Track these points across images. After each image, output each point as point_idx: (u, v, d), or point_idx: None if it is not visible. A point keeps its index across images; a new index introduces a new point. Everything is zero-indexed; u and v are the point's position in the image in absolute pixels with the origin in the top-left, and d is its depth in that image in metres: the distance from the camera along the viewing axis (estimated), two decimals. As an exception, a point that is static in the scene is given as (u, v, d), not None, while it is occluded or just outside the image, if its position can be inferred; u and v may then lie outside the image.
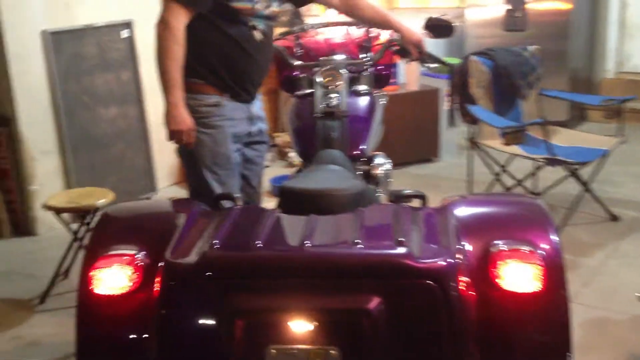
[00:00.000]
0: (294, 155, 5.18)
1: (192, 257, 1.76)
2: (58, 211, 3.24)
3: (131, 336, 1.84)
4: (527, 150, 3.81)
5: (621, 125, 3.93)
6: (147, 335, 1.81)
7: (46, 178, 4.07)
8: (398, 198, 2.11)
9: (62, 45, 4.08)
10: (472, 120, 3.93)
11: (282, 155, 5.38)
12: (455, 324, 1.68)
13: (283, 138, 5.37)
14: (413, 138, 5.11)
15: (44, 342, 2.92)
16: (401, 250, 1.71)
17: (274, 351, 1.67)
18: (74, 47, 4.14)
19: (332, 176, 2.33)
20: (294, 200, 2.11)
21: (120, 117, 4.43)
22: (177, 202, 2.33)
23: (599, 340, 2.78)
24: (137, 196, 4.44)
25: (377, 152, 2.86)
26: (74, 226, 3.39)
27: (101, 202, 3.19)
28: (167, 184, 4.80)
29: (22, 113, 3.94)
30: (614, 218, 3.95)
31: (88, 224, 3.26)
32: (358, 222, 1.89)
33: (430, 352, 1.70)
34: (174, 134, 2.51)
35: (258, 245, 1.77)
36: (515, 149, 3.79)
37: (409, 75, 5.09)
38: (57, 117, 4.09)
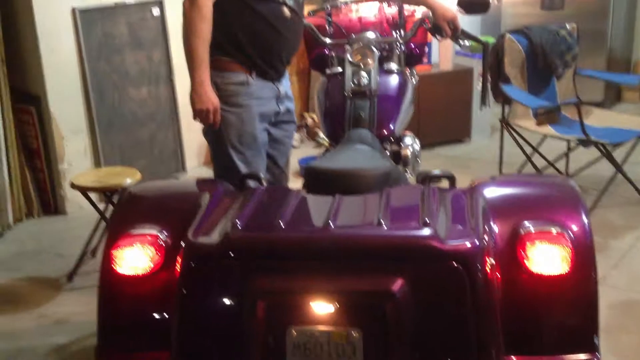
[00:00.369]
0: (323, 136, 5.15)
1: (214, 237, 1.74)
2: (85, 190, 3.26)
3: (152, 316, 1.86)
4: (560, 130, 3.72)
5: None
6: (167, 316, 1.82)
7: (75, 157, 4.10)
8: (426, 179, 2.07)
9: (92, 23, 4.08)
10: (505, 99, 3.85)
11: (312, 136, 5.35)
12: (481, 307, 1.65)
13: (313, 120, 5.33)
14: (445, 118, 5.03)
15: (70, 321, 2.95)
16: (426, 231, 1.68)
17: (295, 332, 1.66)
18: (104, 25, 4.14)
19: (359, 156, 2.30)
20: (320, 181, 2.08)
21: (150, 97, 4.43)
22: (202, 182, 2.32)
23: (627, 322, 2.73)
24: (165, 177, 4.45)
25: (406, 133, 2.82)
26: (102, 205, 3.41)
27: (128, 181, 3.20)
28: (195, 164, 4.81)
29: (51, 92, 3.96)
30: (647, 200, 3.86)
31: (114, 203, 3.28)
32: (384, 203, 1.86)
33: (454, 336, 1.66)
34: (199, 113, 2.49)
35: (281, 226, 1.75)
36: (548, 129, 3.71)
37: (442, 55, 5.01)
38: (87, 96, 4.11)
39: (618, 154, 3.82)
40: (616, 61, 5.82)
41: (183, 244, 1.78)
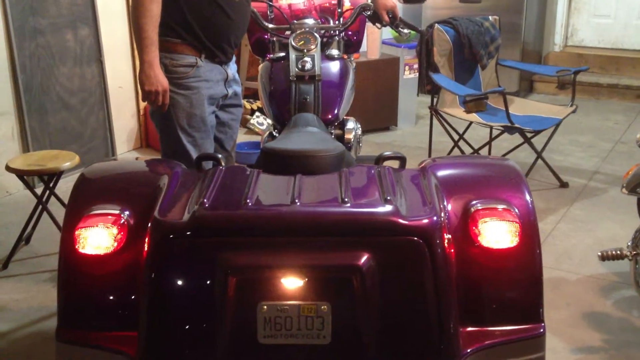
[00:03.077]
0: (255, 122, 5.18)
1: (182, 216, 1.77)
2: (22, 174, 3.17)
3: (116, 296, 1.86)
4: (486, 118, 3.92)
5: (572, 95, 4.09)
6: (132, 295, 1.84)
7: (3, 141, 3.96)
8: (380, 159, 2.17)
9: (20, 2, 3.93)
10: (433, 88, 4.01)
11: (243, 122, 5.36)
12: (440, 279, 1.75)
13: (244, 105, 5.34)
14: (373, 106, 5.15)
15: (9, 308, 2.88)
16: (389, 208, 1.78)
17: (265, 307, 1.72)
18: (32, 4, 4.00)
19: (312, 138, 2.36)
20: (278, 162, 2.13)
21: (79, 78, 4.32)
22: (157, 163, 2.33)
23: (554, 298, 2.92)
24: (96, 161, 4.36)
25: (348, 117, 2.91)
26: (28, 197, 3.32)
27: (66, 165, 3.14)
28: (125, 150, 4.73)
29: (-23, 73, 3.82)
30: (564, 185, 4.12)
31: (52, 187, 3.21)
32: (344, 182, 1.94)
33: (415, 305, 1.76)
34: (148, 95, 2.48)
35: (249, 204, 1.80)
36: (474, 117, 3.90)
37: (369, 44, 5.13)
38: (15, 78, 3.97)
39: (536, 141, 4.06)
40: (529, 53, 6.13)
41: (150, 223, 1.80)
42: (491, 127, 4.10)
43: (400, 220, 1.74)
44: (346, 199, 1.82)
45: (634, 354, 2.51)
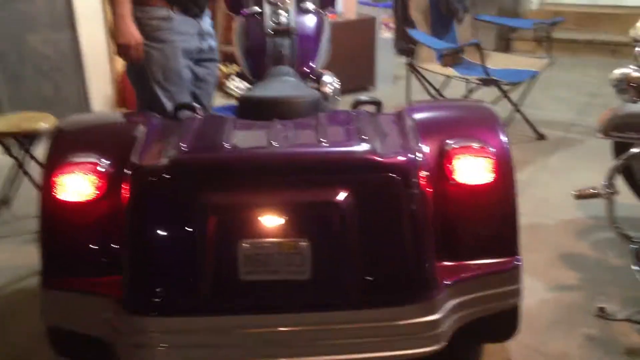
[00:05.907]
0: (232, 86, 5.17)
1: (162, 161, 1.78)
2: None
3: (97, 242, 1.88)
4: (463, 72, 3.95)
5: (549, 49, 4.12)
6: (115, 241, 1.85)
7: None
8: (356, 104, 2.19)
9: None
10: (411, 42, 4.02)
11: (220, 86, 5.35)
12: (416, 214, 1.79)
13: (220, 69, 5.32)
14: (350, 67, 5.12)
15: (-4, 267, 2.89)
16: (365, 146, 1.80)
17: (246, 245, 1.74)
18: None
19: (288, 86, 2.38)
20: (254, 109, 2.14)
21: (53, 44, 4.28)
22: (132, 114, 2.34)
23: (533, 242, 2.98)
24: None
25: (325, 71, 2.92)
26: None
27: (44, 126, 3.12)
28: (102, 115, 4.69)
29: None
30: (541, 137, 4.18)
31: (28, 149, 3.20)
32: (320, 125, 1.96)
33: (393, 241, 1.79)
34: (121, 48, 2.49)
35: (226, 146, 1.81)
36: (451, 71, 3.92)
37: (346, 4, 5.12)
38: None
39: (514, 97, 4.10)
40: (506, 12, 6.15)
41: (130, 169, 1.81)
42: (467, 81, 4.12)
43: (376, 158, 1.77)
44: (322, 139, 1.84)
45: (610, 290, 2.57)
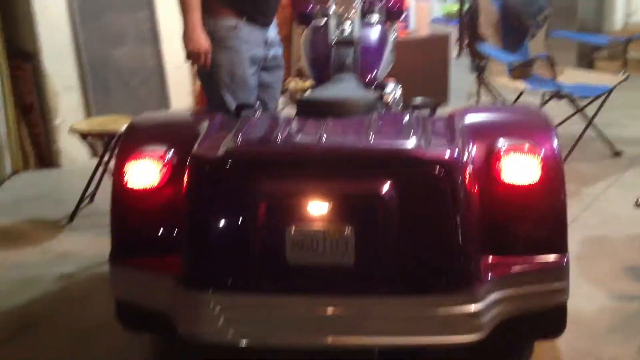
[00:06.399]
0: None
1: (218, 152, 1.90)
2: (84, 135, 3.39)
3: (160, 225, 2.03)
4: (534, 85, 3.94)
5: (623, 63, 4.06)
6: (176, 225, 1.98)
7: (68, 113, 4.22)
8: (410, 106, 2.26)
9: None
10: (480, 58, 4.05)
11: (294, 101, 5.50)
12: (459, 209, 1.83)
13: (295, 84, 5.48)
14: (423, 84, 5.18)
15: (73, 254, 3.10)
16: (411, 142, 1.87)
17: (294, 231, 1.83)
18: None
19: (347, 88, 2.48)
20: (311, 109, 2.25)
21: (138, 58, 4.56)
22: (199, 112, 2.49)
23: (597, 253, 2.95)
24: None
25: (389, 80, 3.00)
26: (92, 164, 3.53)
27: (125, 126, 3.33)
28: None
29: (45, 49, 4.09)
30: (617, 154, 4.10)
31: (112, 149, 3.42)
32: (371, 123, 2.05)
33: (434, 233, 1.85)
34: (191, 55, 2.66)
35: (279, 139, 1.93)
36: (522, 84, 3.92)
37: (419, 21, 5.20)
38: (78, 53, 4.24)
39: (590, 112, 4.05)
40: (587, 29, 6.04)
41: (189, 159, 1.94)
42: (541, 97, 4.10)
43: (420, 152, 1.84)
44: (370, 135, 1.92)
45: (672, 304, 2.51)
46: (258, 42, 2.81)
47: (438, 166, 1.82)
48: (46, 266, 2.99)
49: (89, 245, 3.14)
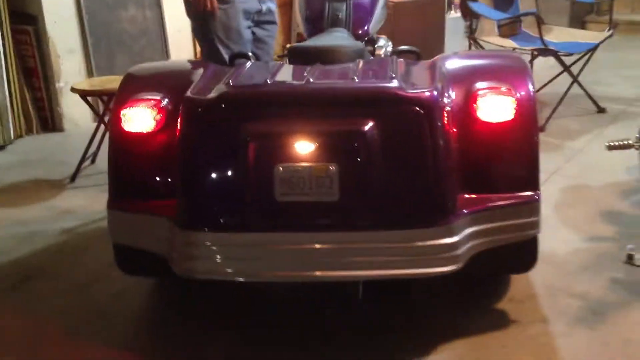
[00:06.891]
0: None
1: (210, 95, 2.02)
2: (84, 94, 3.51)
3: (157, 169, 2.15)
4: (521, 43, 4.05)
5: (609, 18, 4.17)
6: (171, 169, 2.10)
7: (70, 76, 4.32)
8: (394, 52, 2.38)
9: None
10: (472, 16, 4.15)
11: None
12: (437, 147, 1.96)
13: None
14: (419, 45, 5.25)
15: (76, 210, 3.24)
16: (392, 83, 1.99)
17: (281, 168, 1.94)
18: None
19: (334, 38, 2.60)
20: (301, 56, 2.37)
21: (140, 21, 4.66)
22: (194, 62, 2.61)
23: (575, 200, 3.11)
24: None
25: (381, 35, 3.11)
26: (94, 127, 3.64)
27: (124, 86, 3.45)
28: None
29: (47, 12, 4.19)
30: (601, 110, 4.22)
31: (109, 107, 3.51)
32: (357, 67, 2.17)
33: (414, 169, 1.97)
34: (197, 3, 2.76)
35: (268, 82, 2.04)
36: (510, 42, 4.02)
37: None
38: (80, 17, 4.34)
39: (577, 71, 4.16)
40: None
41: (183, 101, 2.05)
42: (529, 54, 4.20)
43: (401, 92, 1.96)
44: (355, 77, 2.04)
45: (642, 243, 2.64)
46: None
47: (417, 106, 1.93)
48: (49, 222, 3.12)
49: (90, 202, 3.27)
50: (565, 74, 4.18)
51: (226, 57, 2.86)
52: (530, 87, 2.12)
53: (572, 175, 3.36)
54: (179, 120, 2.06)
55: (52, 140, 4.29)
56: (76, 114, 4.32)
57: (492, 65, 2.32)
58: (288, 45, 2.58)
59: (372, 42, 3.01)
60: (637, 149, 2.49)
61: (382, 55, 3.00)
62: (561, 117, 4.01)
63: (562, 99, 4.07)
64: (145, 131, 2.12)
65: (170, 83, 2.26)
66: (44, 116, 4.39)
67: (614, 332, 2.14)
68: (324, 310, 2.24)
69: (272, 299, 2.34)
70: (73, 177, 3.57)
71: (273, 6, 3.06)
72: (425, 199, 1.98)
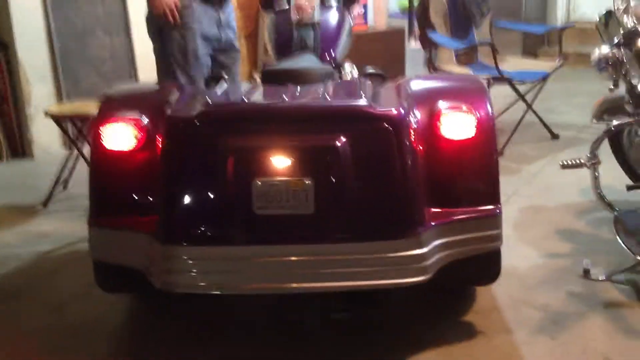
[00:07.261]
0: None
1: (189, 113, 2.11)
2: (59, 118, 3.56)
3: (138, 187, 2.21)
4: (478, 71, 4.25)
5: (559, 50, 4.41)
6: (151, 186, 2.16)
7: (41, 102, 4.34)
8: (361, 74, 2.53)
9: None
10: (430, 45, 4.35)
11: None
12: (405, 161, 2.08)
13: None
14: (381, 73, 5.47)
15: (51, 234, 3.26)
16: (362, 100, 2.14)
17: (259, 182, 2.03)
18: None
19: (304, 61, 2.74)
20: (274, 77, 2.50)
21: (109, 46, 4.75)
22: (169, 83, 2.71)
23: (532, 220, 3.26)
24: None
25: (346, 60, 3.27)
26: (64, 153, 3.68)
27: (95, 110, 3.50)
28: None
29: (19, 38, 4.26)
30: (555, 136, 4.44)
31: (81, 130, 3.57)
32: (327, 87, 2.31)
33: (384, 183, 2.09)
34: (158, 14, 2.88)
35: (246, 100, 2.16)
36: (467, 70, 4.22)
37: (377, 17, 5.48)
38: (51, 43, 4.40)
39: (529, 98, 4.38)
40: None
41: (166, 118, 2.13)
42: (485, 80, 4.40)
43: (370, 110, 2.09)
44: (328, 96, 2.17)
45: (598, 258, 2.77)
46: (210, 22, 3.05)
47: (386, 122, 2.06)
48: (23, 246, 3.14)
49: (66, 225, 3.30)
50: (520, 102, 4.39)
51: (181, 79, 2.96)
52: (489, 107, 2.26)
53: (529, 196, 3.53)
54: (159, 138, 2.14)
55: (22, 167, 4.32)
56: (46, 140, 4.36)
57: (453, 86, 2.48)
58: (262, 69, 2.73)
59: (339, 66, 3.16)
60: (588, 167, 2.65)
61: (350, 79, 3.16)
62: (517, 142, 4.21)
63: (517, 125, 4.27)
64: (126, 149, 2.19)
65: (148, 103, 2.35)
66: (13, 143, 4.40)
67: (573, 341, 2.26)
68: (332, 315, 2.28)
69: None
70: (45, 203, 3.59)
71: (233, 36, 3.20)
72: (395, 211, 2.09)
